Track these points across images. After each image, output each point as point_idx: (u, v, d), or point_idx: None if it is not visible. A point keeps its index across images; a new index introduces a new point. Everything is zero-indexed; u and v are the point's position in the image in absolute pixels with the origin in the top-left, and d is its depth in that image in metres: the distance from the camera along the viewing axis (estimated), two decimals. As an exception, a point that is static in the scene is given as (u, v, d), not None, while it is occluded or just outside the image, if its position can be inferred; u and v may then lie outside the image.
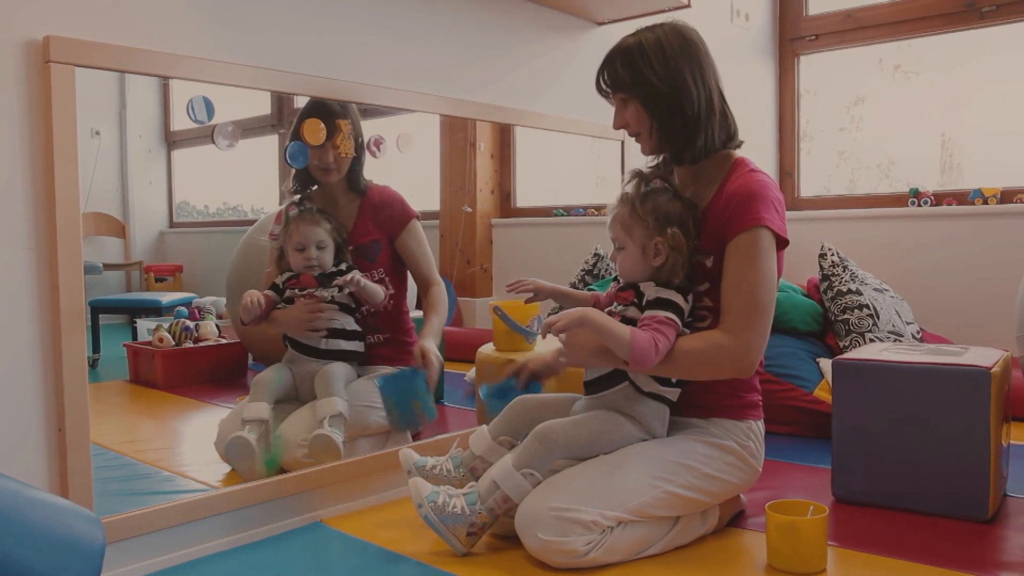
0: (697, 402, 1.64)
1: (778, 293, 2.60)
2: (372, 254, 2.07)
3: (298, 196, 2.07)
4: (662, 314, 1.52)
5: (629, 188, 1.60)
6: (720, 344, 1.52)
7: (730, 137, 1.67)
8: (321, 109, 1.94)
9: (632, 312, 1.57)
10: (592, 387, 1.63)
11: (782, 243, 1.58)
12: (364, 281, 1.97)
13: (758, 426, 1.68)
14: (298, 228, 1.98)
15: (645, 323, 1.51)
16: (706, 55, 1.65)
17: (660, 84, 1.59)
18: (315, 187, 2.09)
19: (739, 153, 1.70)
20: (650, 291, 1.56)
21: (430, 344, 1.97)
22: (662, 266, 1.56)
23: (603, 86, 1.67)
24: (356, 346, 2.04)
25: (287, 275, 2.00)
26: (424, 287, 2.15)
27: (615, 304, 1.61)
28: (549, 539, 1.45)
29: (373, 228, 2.08)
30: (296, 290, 1.99)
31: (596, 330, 1.50)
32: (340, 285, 1.96)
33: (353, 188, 2.09)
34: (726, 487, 1.62)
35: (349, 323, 2.03)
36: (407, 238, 2.11)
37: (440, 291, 2.15)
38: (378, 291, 2.02)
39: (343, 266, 2.03)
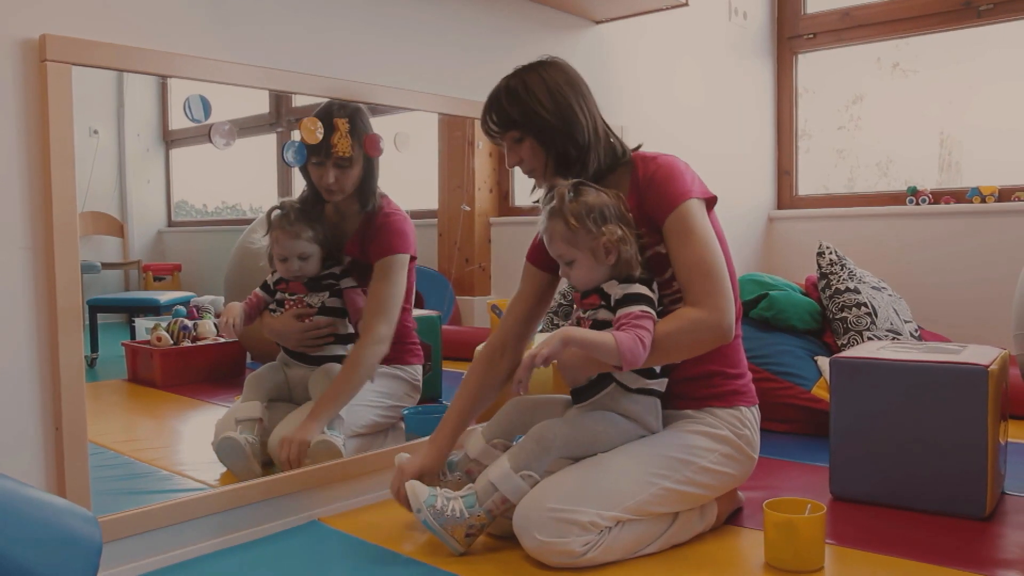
0: (688, 393, 1.65)
1: (777, 292, 2.62)
2: (365, 267, 2.03)
3: (281, 202, 2.01)
4: (636, 309, 1.51)
5: (553, 203, 1.57)
6: (694, 318, 1.53)
7: (618, 156, 1.68)
8: (329, 113, 1.91)
9: (603, 314, 1.56)
10: (580, 395, 1.63)
11: (710, 203, 1.62)
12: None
13: (752, 413, 1.68)
14: (278, 240, 1.95)
15: (623, 322, 1.50)
16: (585, 86, 1.68)
17: (550, 117, 1.61)
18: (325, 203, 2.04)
19: (638, 149, 1.72)
20: (615, 290, 1.55)
21: (309, 430, 1.80)
22: (616, 263, 1.55)
23: (492, 127, 1.67)
24: (349, 350, 2.01)
25: (277, 276, 1.99)
26: (361, 329, 1.96)
27: (582, 310, 1.60)
28: (546, 540, 1.45)
29: (367, 250, 2.02)
30: (286, 294, 1.98)
31: (581, 345, 1.49)
32: (329, 289, 1.95)
33: (362, 204, 2.03)
34: (724, 480, 1.62)
35: (341, 326, 2.02)
36: (376, 271, 1.98)
37: (365, 350, 1.90)
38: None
39: (336, 269, 2.01)
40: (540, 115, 1.61)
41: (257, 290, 2.00)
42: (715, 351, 1.61)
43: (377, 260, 1.98)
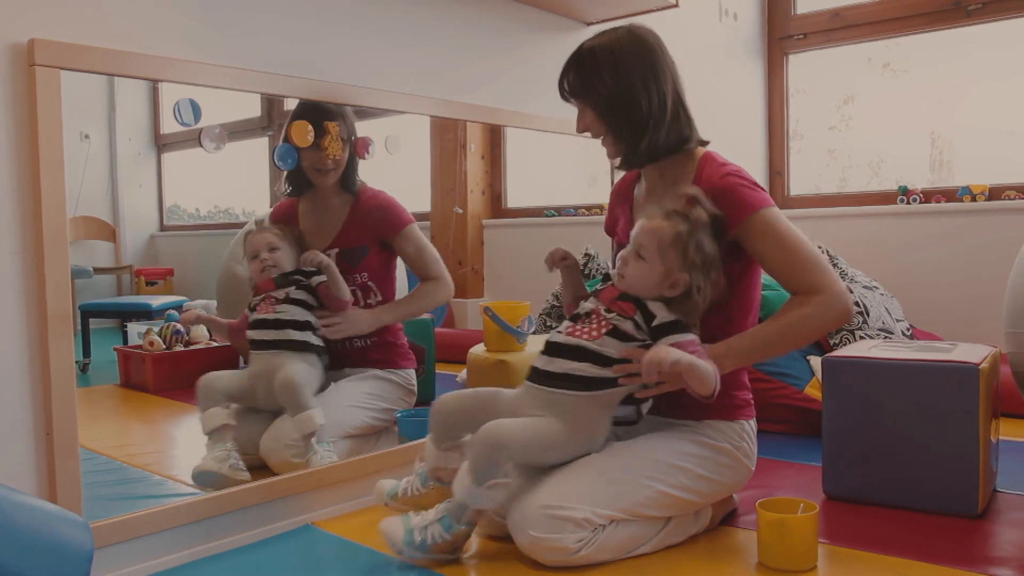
0: (689, 404, 1.62)
1: (769, 292, 2.62)
2: (356, 258, 2.06)
3: (261, 217, 2.09)
4: (690, 337, 1.50)
5: (683, 211, 1.54)
6: (819, 301, 1.54)
7: (683, 140, 1.68)
8: (311, 111, 1.93)
9: (628, 327, 1.51)
10: (545, 379, 1.55)
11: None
12: (325, 259, 1.95)
13: (751, 426, 1.69)
14: (249, 243, 2.01)
15: (694, 351, 1.47)
16: (661, 58, 1.67)
17: (608, 91, 1.62)
18: (310, 188, 2.08)
19: (708, 148, 1.72)
20: (661, 312, 1.50)
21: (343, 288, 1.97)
22: (674, 301, 1.51)
23: (564, 93, 1.71)
24: (307, 336, 1.97)
25: (256, 299, 1.99)
26: (427, 278, 2.15)
27: (604, 308, 1.54)
28: (540, 536, 1.45)
29: (361, 232, 2.07)
30: (259, 299, 1.98)
31: (688, 368, 1.43)
32: (304, 268, 1.95)
33: (346, 188, 2.08)
34: (719, 488, 1.63)
35: (300, 314, 1.98)
36: (403, 244, 2.10)
37: (434, 285, 2.13)
38: (344, 288, 1.98)
39: (314, 281, 2.00)
40: (597, 88, 1.63)
41: (246, 311, 2.01)
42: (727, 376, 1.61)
43: (395, 235, 2.09)
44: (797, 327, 1.55)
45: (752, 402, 1.71)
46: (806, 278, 1.56)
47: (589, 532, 1.47)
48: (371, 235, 2.07)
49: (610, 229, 1.90)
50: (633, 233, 1.56)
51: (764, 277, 2.77)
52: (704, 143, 1.72)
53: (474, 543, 1.59)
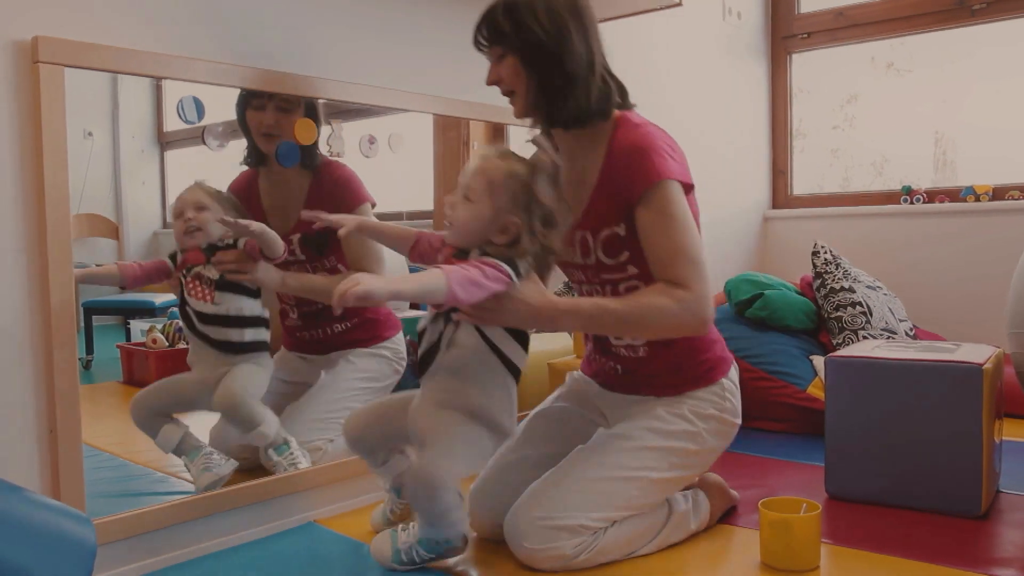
0: (667, 383, 1.61)
1: (772, 292, 2.63)
2: (320, 244, 1.89)
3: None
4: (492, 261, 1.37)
5: (523, 157, 1.44)
6: (680, 297, 1.43)
7: (610, 105, 1.55)
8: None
9: None
10: (425, 361, 1.48)
11: (688, 188, 1.52)
12: (260, 227, 1.68)
13: (730, 380, 1.65)
14: (177, 200, 1.77)
15: (487, 273, 1.34)
16: (591, 17, 1.54)
17: (544, 37, 1.47)
18: (263, 160, 1.89)
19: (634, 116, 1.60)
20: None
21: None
22: (499, 247, 1.40)
23: (481, 40, 1.54)
24: (258, 334, 1.78)
25: (185, 268, 1.76)
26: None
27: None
28: (536, 547, 1.45)
29: (334, 200, 1.87)
30: (183, 272, 1.74)
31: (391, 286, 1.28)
32: (228, 236, 1.72)
33: (305, 165, 1.89)
34: (711, 455, 1.63)
35: (248, 307, 1.76)
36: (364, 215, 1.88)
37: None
38: (277, 243, 1.72)
39: (241, 243, 1.75)
40: (534, 32, 1.47)
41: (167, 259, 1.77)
42: (685, 347, 1.58)
43: (356, 208, 1.89)
44: (649, 315, 1.44)
45: (725, 355, 1.66)
46: (678, 270, 1.45)
47: (588, 537, 1.46)
48: (349, 206, 1.89)
49: None
50: (461, 175, 1.45)
51: (760, 276, 2.76)
52: (627, 106, 1.60)
53: (476, 543, 1.59)
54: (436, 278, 1.28)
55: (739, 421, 1.66)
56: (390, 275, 1.47)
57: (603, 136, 1.55)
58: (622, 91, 1.60)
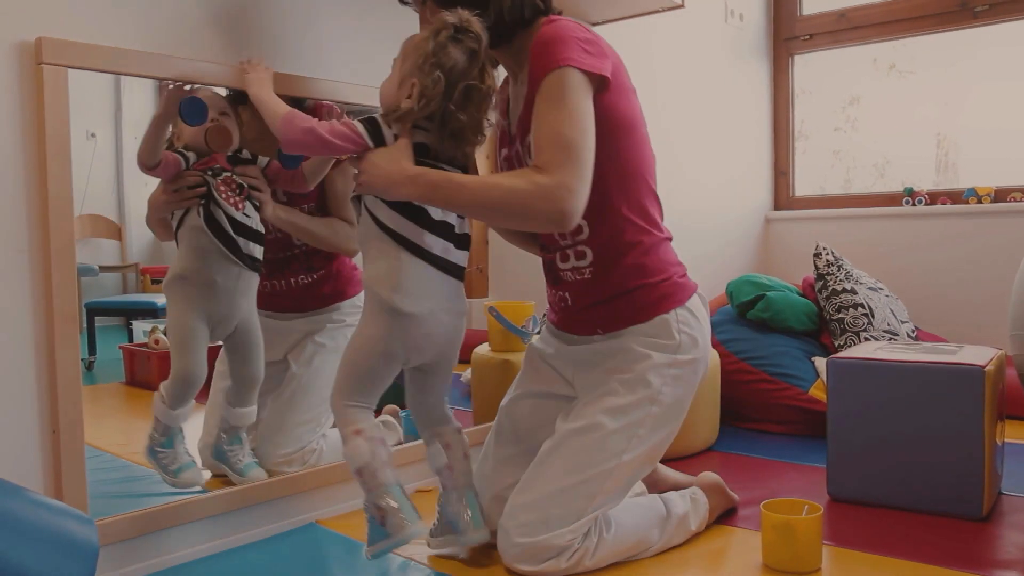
0: (605, 316, 1.54)
1: (774, 293, 2.62)
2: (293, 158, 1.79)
3: None
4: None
5: (447, 29, 1.39)
6: (536, 181, 1.33)
7: (528, 11, 1.49)
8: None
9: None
10: None
11: (597, 80, 1.42)
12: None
13: (687, 311, 1.54)
14: (195, 96, 1.61)
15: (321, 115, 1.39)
16: None
17: None
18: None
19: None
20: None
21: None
22: (412, 109, 1.38)
23: None
24: (261, 252, 1.73)
25: (193, 154, 1.65)
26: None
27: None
28: (532, 569, 1.43)
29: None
30: (209, 170, 1.64)
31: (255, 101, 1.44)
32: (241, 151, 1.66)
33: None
34: (680, 405, 1.53)
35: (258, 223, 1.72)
36: (334, 173, 1.84)
37: (346, 228, 1.87)
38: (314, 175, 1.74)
39: (263, 162, 1.72)
40: None
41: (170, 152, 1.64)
42: (631, 262, 1.51)
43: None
44: (496, 192, 1.36)
45: (682, 282, 1.56)
46: (545, 155, 1.35)
47: (579, 542, 1.44)
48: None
49: (498, 140, 1.72)
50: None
51: (761, 277, 2.77)
52: (550, 11, 1.53)
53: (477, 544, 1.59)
54: (280, 108, 1.40)
55: (699, 355, 1.54)
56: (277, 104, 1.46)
57: (529, 45, 1.48)
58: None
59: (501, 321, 2.14)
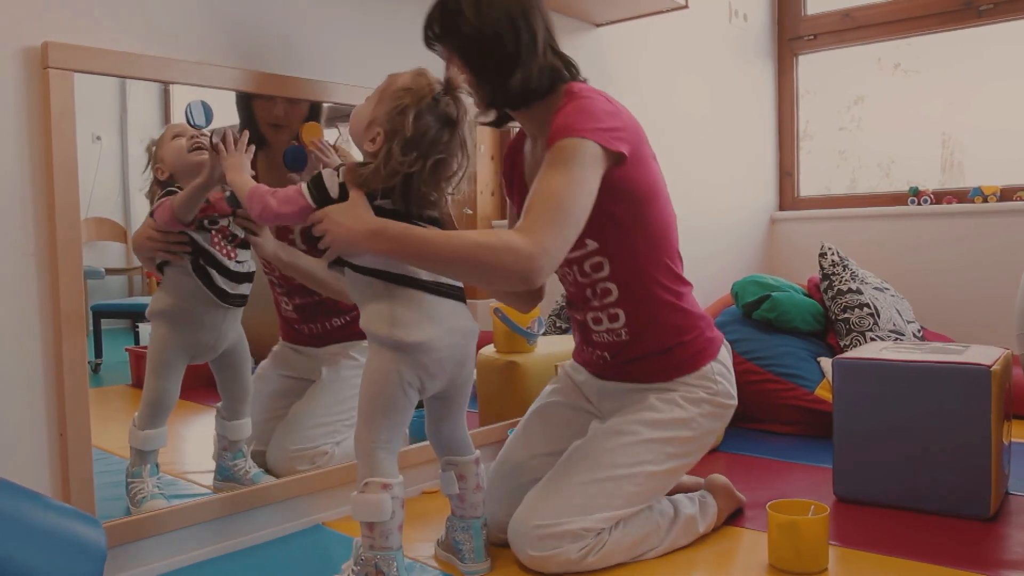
0: (656, 367, 1.60)
1: (779, 294, 2.62)
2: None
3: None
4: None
5: (427, 98, 1.37)
6: (509, 242, 1.30)
7: (557, 79, 1.52)
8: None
9: None
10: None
11: (615, 156, 1.43)
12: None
13: (720, 363, 1.63)
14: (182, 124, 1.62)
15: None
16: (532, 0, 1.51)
17: (470, 31, 1.46)
18: (263, 145, 1.79)
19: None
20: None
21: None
22: (366, 161, 1.37)
23: (428, 40, 1.55)
24: (248, 289, 1.72)
25: (205, 216, 1.65)
26: None
27: None
28: (540, 555, 1.45)
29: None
30: (205, 219, 1.63)
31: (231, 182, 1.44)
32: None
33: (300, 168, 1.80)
34: (707, 438, 1.62)
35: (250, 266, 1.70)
36: None
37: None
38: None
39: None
40: (460, 29, 1.47)
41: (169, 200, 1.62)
42: (664, 320, 1.57)
43: None
44: (464, 248, 1.32)
45: (715, 335, 1.65)
46: (530, 215, 1.34)
47: (591, 539, 1.46)
48: None
49: (508, 193, 1.76)
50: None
51: (767, 278, 2.76)
52: (578, 79, 1.56)
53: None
54: (247, 184, 1.42)
55: (733, 402, 1.65)
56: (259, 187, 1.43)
57: (553, 111, 1.49)
58: (569, 65, 1.55)
59: (506, 323, 2.15)
